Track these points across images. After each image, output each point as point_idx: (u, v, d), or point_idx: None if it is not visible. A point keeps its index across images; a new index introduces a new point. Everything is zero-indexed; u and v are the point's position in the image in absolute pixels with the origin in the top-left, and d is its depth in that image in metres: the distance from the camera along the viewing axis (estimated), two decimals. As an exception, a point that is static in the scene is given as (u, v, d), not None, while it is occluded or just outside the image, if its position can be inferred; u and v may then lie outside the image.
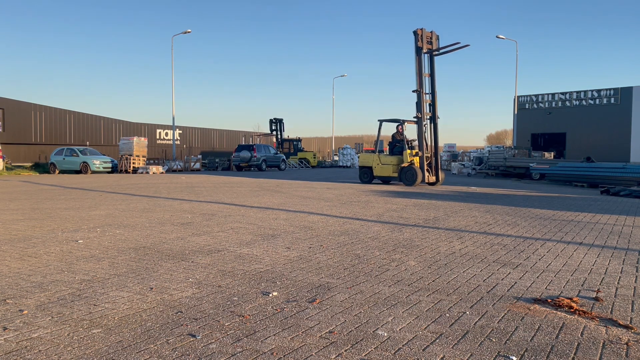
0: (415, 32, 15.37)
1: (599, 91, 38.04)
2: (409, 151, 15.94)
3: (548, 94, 40.67)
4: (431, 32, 15.57)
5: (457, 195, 12.46)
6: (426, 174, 15.79)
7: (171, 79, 34.16)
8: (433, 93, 15.62)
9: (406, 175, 15.87)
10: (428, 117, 15.77)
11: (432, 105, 15.64)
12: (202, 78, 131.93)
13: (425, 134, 15.75)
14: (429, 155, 15.97)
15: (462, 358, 2.51)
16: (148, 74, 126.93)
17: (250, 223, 7.23)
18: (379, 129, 16.96)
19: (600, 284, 3.99)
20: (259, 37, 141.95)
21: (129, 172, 26.59)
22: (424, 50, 15.44)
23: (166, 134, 43.35)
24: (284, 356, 2.51)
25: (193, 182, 18.04)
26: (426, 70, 15.61)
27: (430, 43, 15.53)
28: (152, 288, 3.75)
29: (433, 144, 15.87)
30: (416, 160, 15.87)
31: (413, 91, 15.47)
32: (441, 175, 16.28)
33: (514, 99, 40.64)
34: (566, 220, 7.86)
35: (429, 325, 2.99)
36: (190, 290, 3.71)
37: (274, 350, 2.59)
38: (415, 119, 15.82)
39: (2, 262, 4.60)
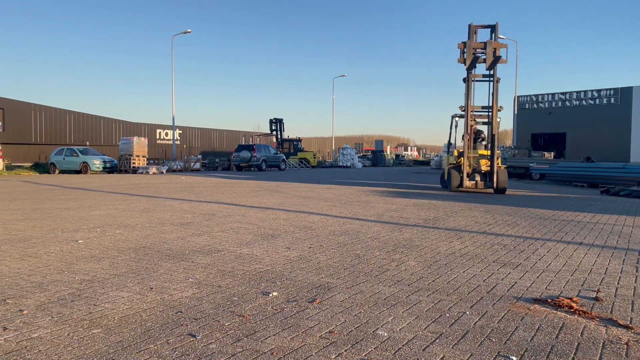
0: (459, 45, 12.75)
1: (599, 91, 38.06)
2: (456, 151, 13.91)
3: (548, 94, 40.68)
4: (485, 42, 12.24)
5: (457, 195, 12.45)
6: (476, 178, 12.98)
7: (171, 79, 34.19)
8: (494, 80, 12.59)
9: (447, 178, 13.84)
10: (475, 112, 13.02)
11: (492, 100, 12.72)
12: (202, 78, 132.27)
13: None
14: (482, 155, 13.34)
15: (462, 358, 2.51)
16: (148, 74, 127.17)
17: (250, 223, 7.23)
18: (451, 126, 14.94)
19: (600, 284, 3.99)
20: (259, 37, 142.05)
21: (129, 172, 26.59)
22: (466, 67, 12.66)
23: (166, 134, 43.36)
24: (284, 356, 2.51)
25: (193, 182, 18.03)
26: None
27: (480, 54, 12.51)
28: (152, 288, 3.75)
29: (490, 144, 13.17)
30: (465, 161, 13.05)
31: (464, 79, 13.16)
32: (500, 178, 12.85)
33: (514, 99, 40.66)
34: (566, 220, 7.86)
35: (429, 325, 2.99)
36: (190, 290, 3.71)
37: (274, 350, 2.59)
38: (462, 114, 13.34)
39: (2, 262, 4.59)
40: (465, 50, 12.57)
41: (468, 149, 13.20)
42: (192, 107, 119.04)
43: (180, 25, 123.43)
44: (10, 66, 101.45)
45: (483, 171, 13.18)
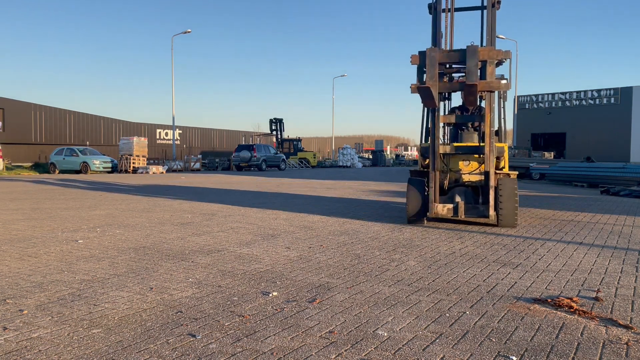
0: None
1: (599, 91, 38.05)
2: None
3: (548, 94, 40.68)
4: (465, 48, 6.13)
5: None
6: (457, 199, 6.85)
7: (171, 79, 34.17)
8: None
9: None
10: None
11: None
12: (202, 78, 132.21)
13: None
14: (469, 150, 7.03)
15: (462, 358, 2.51)
16: (148, 74, 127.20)
17: (250, 223, 7.23)
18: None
19: (600, 284, 3.99)
20: (259, 37, 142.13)
21: (129, 172, 26.58)
22: (435, 105, 6.52)
23: (166, 134, 43.33)
24: (284, 356, 2.51)
25: (193, 182, 18.03)
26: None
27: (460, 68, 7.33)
28: (152, 288, 3.75)
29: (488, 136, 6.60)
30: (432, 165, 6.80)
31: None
32: (505, 199, 6.56)
33: (514, 99, 40.63)
34: (566, 220, 7.86)
35: (429, 325, 2.99)
36: (190, 290, 3.71)
37: (274, 350, 2.59)
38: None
39: (2, 262, 4.59)
40: (425, 69, 6.44)
41: (442, 142, 7.42)
42: (192, 107, 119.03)
43: (180, 25, 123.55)
44: (10, 66, 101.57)
45: (470, 183, 7.11)
